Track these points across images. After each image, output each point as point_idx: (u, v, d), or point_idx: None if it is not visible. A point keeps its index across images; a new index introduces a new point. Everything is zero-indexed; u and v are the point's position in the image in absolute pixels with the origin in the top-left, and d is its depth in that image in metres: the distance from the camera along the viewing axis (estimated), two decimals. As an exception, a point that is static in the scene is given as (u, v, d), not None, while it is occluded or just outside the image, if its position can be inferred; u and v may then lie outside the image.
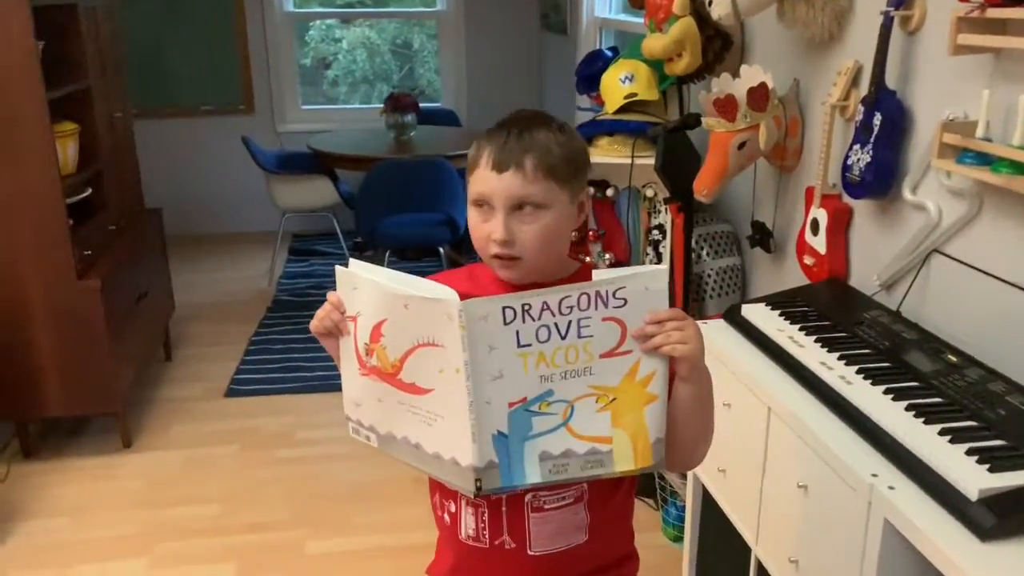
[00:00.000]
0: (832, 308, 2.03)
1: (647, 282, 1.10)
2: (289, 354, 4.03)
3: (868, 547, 1.46)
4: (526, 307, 1.08)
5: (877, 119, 1.94)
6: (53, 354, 3.00)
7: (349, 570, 2.55)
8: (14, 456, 3.15)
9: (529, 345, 1.09)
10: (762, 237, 2.55)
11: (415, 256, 5.21)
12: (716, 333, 2.09)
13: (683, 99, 2.94)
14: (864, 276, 2.14)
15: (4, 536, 2.70)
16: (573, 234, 1.30)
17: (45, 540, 2.70)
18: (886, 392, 1.62)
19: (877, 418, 1.56)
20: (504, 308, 1.07)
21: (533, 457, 1.10)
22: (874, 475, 1.46)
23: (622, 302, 1.09)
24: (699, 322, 2.16)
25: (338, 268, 1.20)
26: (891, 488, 1.42)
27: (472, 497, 1.09)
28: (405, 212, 4.41)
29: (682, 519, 2.49)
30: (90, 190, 3.22)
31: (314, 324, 1.22)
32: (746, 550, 1.96)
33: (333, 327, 1.20)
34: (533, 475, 1.11)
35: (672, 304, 1.20)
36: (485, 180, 1.18)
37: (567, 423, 1.11)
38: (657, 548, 2.58)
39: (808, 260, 2.29)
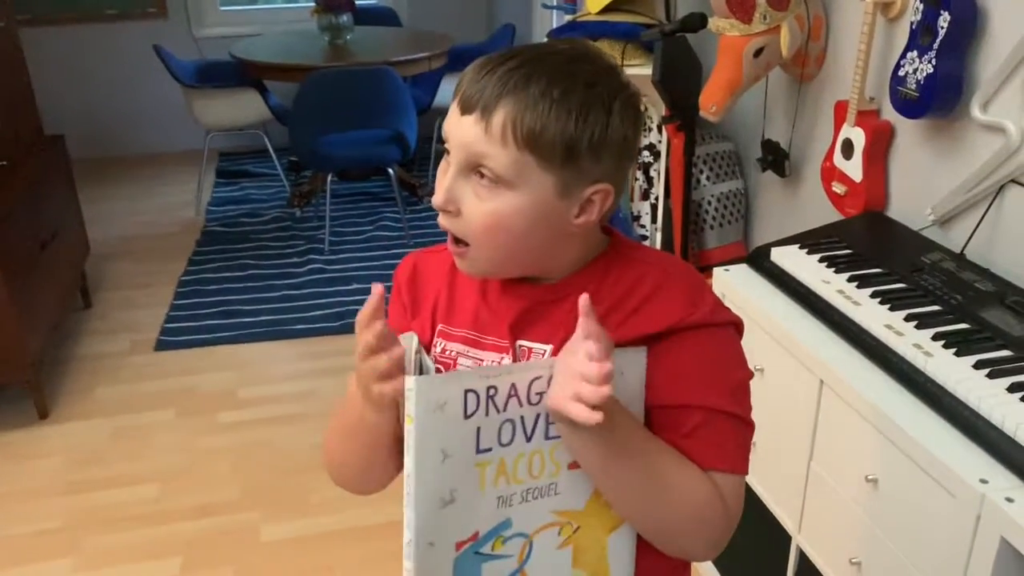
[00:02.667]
0: (880, 250, 1.71)
1: (624, 366, 0.81)
2: (224, 295, 3.60)
3: (974, 567, 1.18)
4: (491, 391, 0.76)
5: (944, 20, 1.58)
6: (-58, 320, 2.54)
7: (311, 559, 2.22)
8: (-91, 436, 2.72)
9: (489, 450, 0.78)
10: (775, 159, 2.21)
11: (360, 176, 4.74)
12: (740, 282, 1.77)
13: (668, -6, 2.53)
14: (907, 208, 1.82)
15: (-98, 536, 2.30)
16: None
17: (-50, 540, 2.31)
18: (977, 366, 1.32)
19: (976, 405, 1.26)
20: (467, 392, 0.75)
21: None
22: (983, 481, 1.17)
23: None
24: (719, 268, 1.86)
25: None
26: (1010, 500, 1.13)
27: None
28: (347, 128, 3.93)
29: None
30: (-31, 121, 2.70)
31: None
32: (784, 537, 1.69)
33: None
34: None
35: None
36: (448, 117, 0.86)
37: (523, 568, 0.83)
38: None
39: (837, 188, 1.96)
